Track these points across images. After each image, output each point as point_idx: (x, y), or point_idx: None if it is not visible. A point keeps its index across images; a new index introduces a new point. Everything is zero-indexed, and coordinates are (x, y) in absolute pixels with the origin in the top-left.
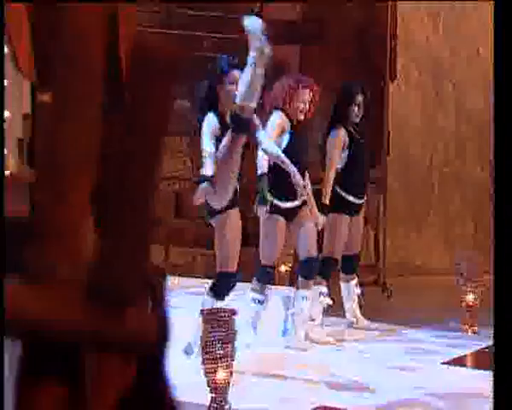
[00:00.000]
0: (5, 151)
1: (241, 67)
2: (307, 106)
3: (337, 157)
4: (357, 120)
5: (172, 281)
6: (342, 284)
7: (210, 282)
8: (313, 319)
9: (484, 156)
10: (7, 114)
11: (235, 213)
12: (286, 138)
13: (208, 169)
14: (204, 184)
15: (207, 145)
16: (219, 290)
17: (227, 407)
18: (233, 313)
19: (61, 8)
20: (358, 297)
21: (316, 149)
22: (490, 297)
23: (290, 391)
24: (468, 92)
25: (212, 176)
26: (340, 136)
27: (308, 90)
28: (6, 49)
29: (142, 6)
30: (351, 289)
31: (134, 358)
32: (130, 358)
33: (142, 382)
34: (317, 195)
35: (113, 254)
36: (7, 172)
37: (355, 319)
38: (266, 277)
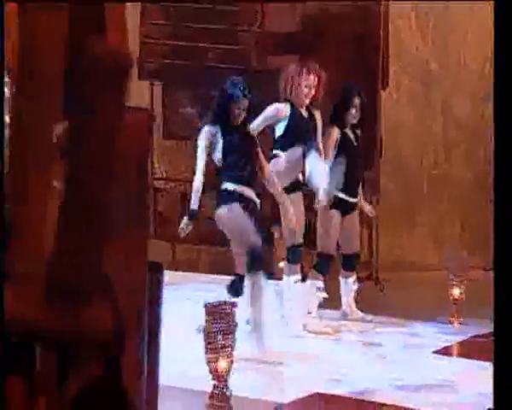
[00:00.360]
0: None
1: (249, 96)
2: (312, 90)
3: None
4: (354, 121)
5: (178, 276)
6: (341, 280)
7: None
8: (309, 312)
9: (470, 159)
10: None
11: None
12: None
13: (194, 203)
14: (187, 220)
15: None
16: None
17: (228, 393)
18: (234, 305)
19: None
20: (355, 292)
21: None
22: (476, 291)
23: (288, 379)
24: (455, 99)
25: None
26: (333, 136)
27: (312, 74)
28: None
29: (149, 19)
30: (349, 285)
31: (92, 354)
32: (89, 354)
33: (101, 377)
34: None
35: (70, 253)
36: None
37: (349, 310)
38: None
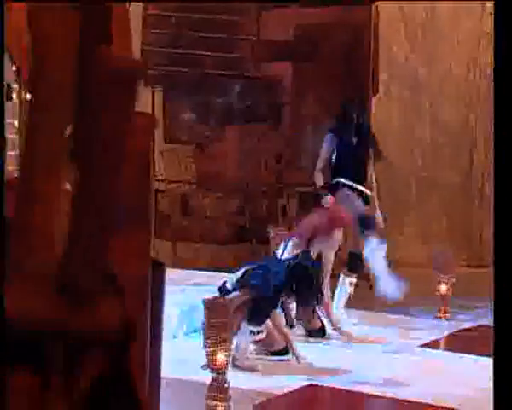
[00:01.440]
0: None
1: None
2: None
3: (323, 160)
4: (354, 136)
5: (178, 273)
6: (341, 277)
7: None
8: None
9: (456, 162)
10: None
11: None
12: None
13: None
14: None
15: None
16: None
17: (226, 385)
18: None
19: (31, 10)
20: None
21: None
22: (461, 287)
23: (284, 372)
24: (442, 105)
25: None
26: (328, 143)
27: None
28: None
29: (150, 28)
30: (345, 287)
31: (100, 348)
32: (97, 348)
33: (109, 370)
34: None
35: (77, 251)
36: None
37: (334, 318)
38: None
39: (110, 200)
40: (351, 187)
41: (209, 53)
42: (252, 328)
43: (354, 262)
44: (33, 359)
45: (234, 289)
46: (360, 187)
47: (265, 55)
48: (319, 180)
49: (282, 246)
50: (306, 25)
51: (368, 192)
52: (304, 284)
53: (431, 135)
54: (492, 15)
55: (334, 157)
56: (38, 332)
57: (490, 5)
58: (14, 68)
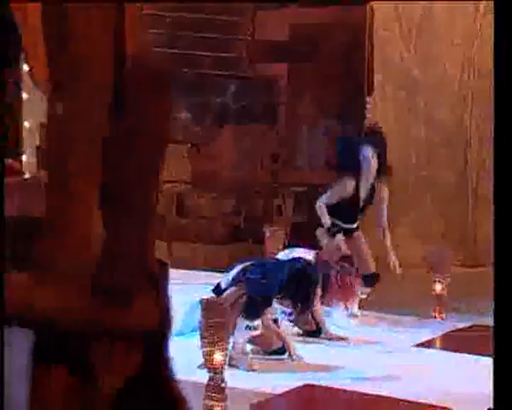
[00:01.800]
0: (24, 157)
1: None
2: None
3: (333, 199)
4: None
5: (174, 273)
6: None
7: None
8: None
9: (452, 162)
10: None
11: None
12: None
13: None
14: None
15: None
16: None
17: (223, 385)
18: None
19: (67, 12)
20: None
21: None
22: (457, 287)
23: (281, 371)
24: (437, 105)
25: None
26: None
27: None
28: (26, 67)
29: (146, 28)
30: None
31: (139, 345)
32: (135, 345)
33: (147, 368)
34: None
35: (118, 249)
36: (26, 176)
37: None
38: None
39: (150, 198)
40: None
41: (205, 53)
42: (247, 322)
43: (369, 281)
44: (71, 358)
45: (230, 286)
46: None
47: (261, 55)
48: (325, 217)
49: None
50: (302, 25)
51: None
52: (302, 287)
53: (426, 135)
54: (486, 16)
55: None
56: (76, 332)
57: (483, 5)
58: (27, 68)
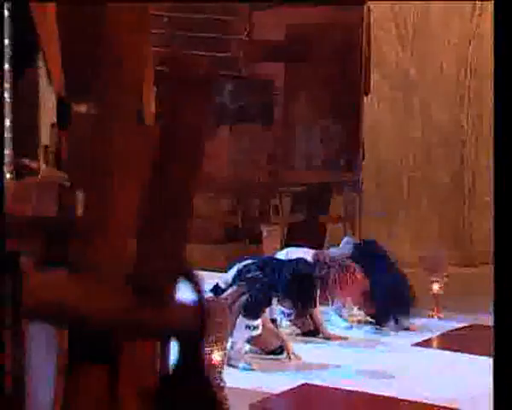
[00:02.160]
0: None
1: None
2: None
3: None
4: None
5: None
6: None
7: None
8: None
9: (448, 162)
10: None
11: None
12: None
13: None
14: None
15: None
16: None
17: (222, 384)
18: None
19: (101, 16)
20: None
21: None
22: (454, 287)
23: (280, 371)
24: (433, 105)
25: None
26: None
27: None
28: (41, 65)
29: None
30: None
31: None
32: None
33: (182, 367)
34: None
35: (155, 248)
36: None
37: None
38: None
39: (186, 195)
40: None
41: (201, 53)
42: (247, 321)
43: None
44: (108, 358)
45: (230, 286)
46: None
47: (257, 55)
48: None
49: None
50: (298, 25)
51: None
52: (302, 287)
53: (422, 135)
54: (483, 15)
55: None
56: (113, 331)
57: (479, 6)
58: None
